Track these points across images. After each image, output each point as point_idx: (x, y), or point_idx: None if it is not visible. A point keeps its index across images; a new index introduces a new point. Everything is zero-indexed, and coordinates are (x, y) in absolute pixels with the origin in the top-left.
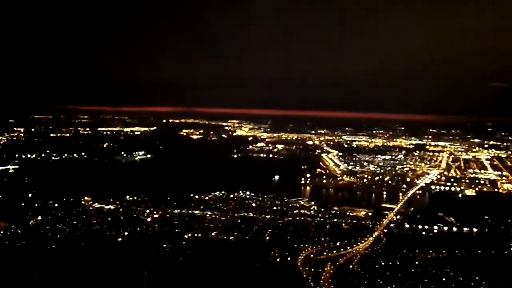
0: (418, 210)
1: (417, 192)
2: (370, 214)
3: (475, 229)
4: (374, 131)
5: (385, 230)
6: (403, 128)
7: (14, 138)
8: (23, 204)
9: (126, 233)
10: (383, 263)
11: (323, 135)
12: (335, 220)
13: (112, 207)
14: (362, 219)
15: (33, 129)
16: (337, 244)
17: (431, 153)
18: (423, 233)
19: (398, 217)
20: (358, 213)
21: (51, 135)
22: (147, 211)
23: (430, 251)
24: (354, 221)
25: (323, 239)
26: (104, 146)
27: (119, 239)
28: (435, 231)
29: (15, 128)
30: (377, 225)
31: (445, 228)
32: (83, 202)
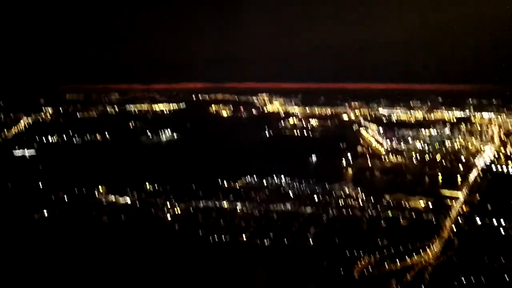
0: (485, 198)
1: (478, 174)
2: (430, 204)
3: None
4: (411, 103)
5: (454, 228)
6: (440, 99)
7: (40, 120)
8: (30, 195)
9: (140, 237)
10: (463, 279)
11: (358, 108)
12: (390, 213)
13: (128, 201)
14: (422, 212)
15: (61, 109)
16: (400, 248)
17: (478, 126)
18: (501, 230)
19: (465, 208)
20: (416, 203)
21: (78, 115)
22: (168, 204)
23: None
24: (413, 214)
25: (379, 241)
26: (130, 125)
27: (128, 247)
28: None
29: (43, 108)
30: (442, 220)
31: None
32: (96, 194)
